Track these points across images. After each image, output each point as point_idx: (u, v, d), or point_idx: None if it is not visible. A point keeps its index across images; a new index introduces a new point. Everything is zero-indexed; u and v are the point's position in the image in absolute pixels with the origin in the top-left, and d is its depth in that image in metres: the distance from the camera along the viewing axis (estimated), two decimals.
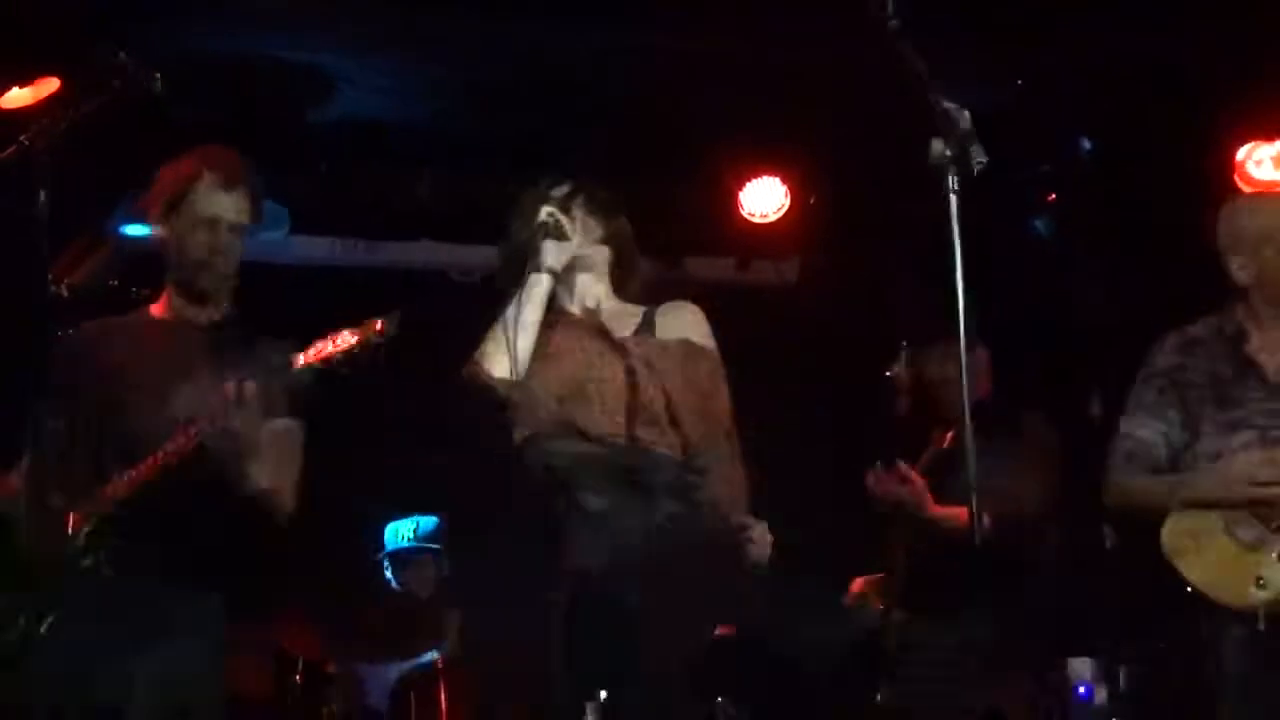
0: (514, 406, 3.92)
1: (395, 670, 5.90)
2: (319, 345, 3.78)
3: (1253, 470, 4.19)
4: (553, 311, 4.03)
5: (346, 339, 3.80)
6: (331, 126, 6.56)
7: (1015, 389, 5.23)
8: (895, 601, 4.76)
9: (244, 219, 4.08)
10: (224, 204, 4.00)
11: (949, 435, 5.09)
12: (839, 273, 7.24)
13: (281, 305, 6.94)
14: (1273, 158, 6.27)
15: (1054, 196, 6.78)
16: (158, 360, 3.91)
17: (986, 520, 4.60)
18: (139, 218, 6.51)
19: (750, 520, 3.82)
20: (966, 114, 3.09)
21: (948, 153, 3.06)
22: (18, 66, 5.63)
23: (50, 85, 5.55)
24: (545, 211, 3.99)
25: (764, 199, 6.96)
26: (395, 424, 7.10)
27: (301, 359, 3.74)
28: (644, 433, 3.83)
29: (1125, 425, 4.51)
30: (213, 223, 3.98)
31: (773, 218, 6.96)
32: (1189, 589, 4.28)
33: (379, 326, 3.85)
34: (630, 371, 3.87)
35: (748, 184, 6.96)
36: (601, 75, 6.07)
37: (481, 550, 5.70)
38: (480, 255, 7.31)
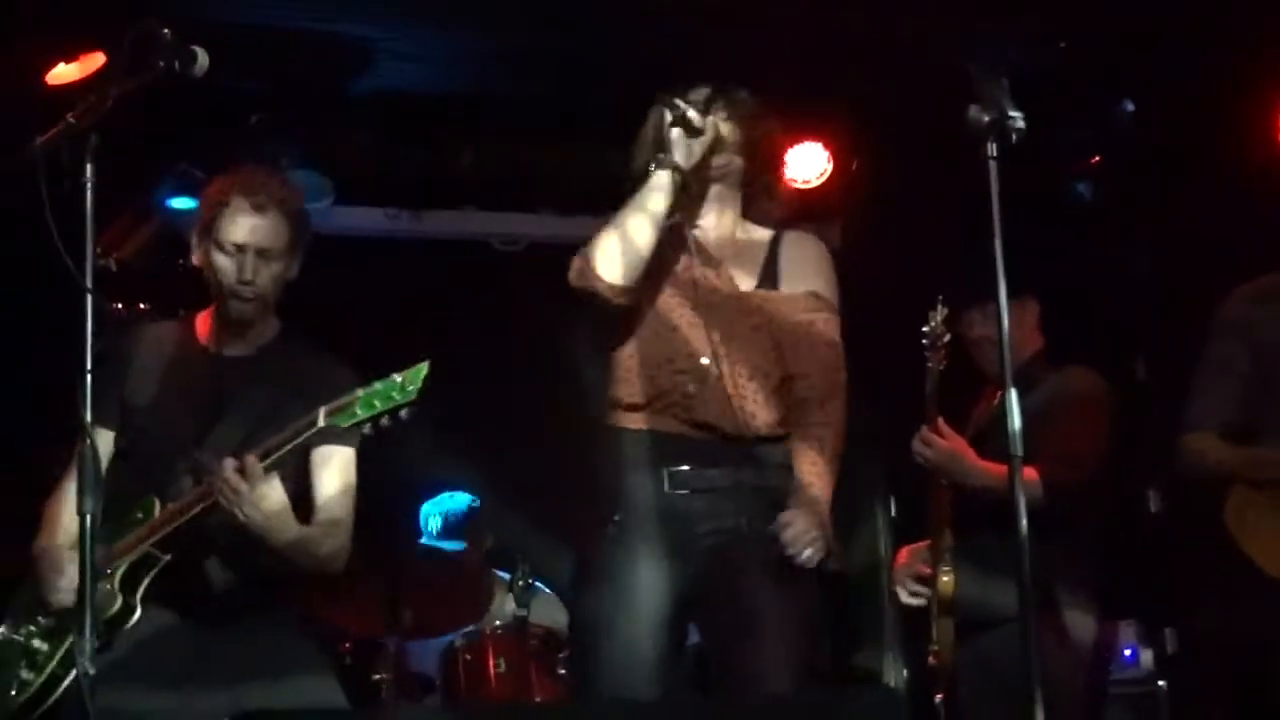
0: (620, 330, 3.74)
1: (445, 638, 5.94)
2: (344, 409, 3.52)
3: None
4: (673, 230, 3.79)
5: (376, 409, 3.50)
6: (373, 96, 6.58)
7: (1060, 353, 5.21)
8: (940, 566, 4.73)
9: (278, 243, 3.88)
10: (252, 229, 3.83)
11: (998, 393, 5.07)
12: (882, 238, 7.22)
13: (325, 276, 7.05)
14: None
15: (1097, 159, 6.74)
16: (190, 394, 3.86)
17: (1037, 479, 4.61)
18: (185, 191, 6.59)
19: (785, 518, 3.66)
20: (1005, 80, 3.08)
21: (985, 119, 3.06)
22: (63, 42, 5.68)
23: (95, 61, 5.59)
24: (680, 104, 3.69)
25: (807, 164, 6.95)
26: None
27: (321, 418, 3.54)
28: (763, 416, 3.71)
29: (1196, 386, 4.47)
30: (240, 249, 3.82)
31: (815, 183, 6.95)
32: (1246, 561, 4.27)
33: (409, 390, 3.53)
34: (755, 339, 3.72)
35: (790, 149, 6.95)
36: (641, 39, 6.07)
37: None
38: (524, 224, 7.35)
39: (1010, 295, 3.13)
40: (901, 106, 6.38)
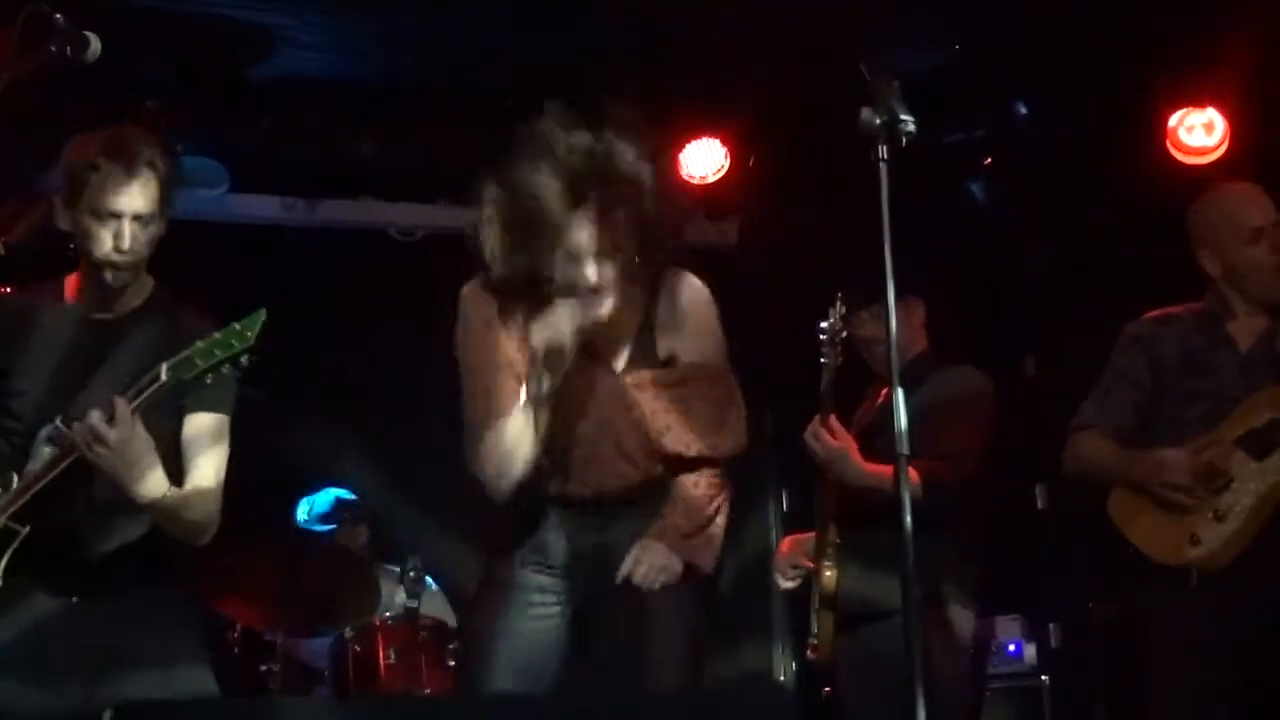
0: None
1: (334, 633, 5.92)
2: (183, 356, 3.47)
3: (1173, 471, 4.35)
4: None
5: (215, 357, 3.46)
6: (272, 83, 6.52)
7: (950, 350, 5.28)
8: (823, 560, 4.78)
9: (152, 206, 3.71)
10: (128, 196, 3.66)
11: (883, 391, 5.12)
12: (778, 234, 7.27)
13: (220, 264, 6.99)
14: (1204, 124, 6.34)
15: (989, 161, 6.82)
16: (60, 361, 3.75)
17: (917, 479, 4.68)
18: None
19: (637, 553, 3.72)
20: (896, 83, 3.12)
21: (876, 121, 3.10)
22: None
23: None
24: (546, 364, 3.62)
25: (704, 160, 6.98)
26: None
27: (164, 373, 3.47)
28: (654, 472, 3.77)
29: (1097, 389, 4.63)
30: (116, 216, 3.66)
31: (712, 179, 6.98)
32: (1128, 550, 4.42)
33: (247, 336, 3.47)
34: (635, 417, 3.73)
35: (687, 145, 6.98)
36: (541, 34, 6.08)
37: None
38: (421, 213, 7.32)
39: (896, 296, 3.17)
40: (799, 105, 6.42)
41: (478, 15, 6.03)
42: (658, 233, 3.75)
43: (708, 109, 6.83)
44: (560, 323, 3.63)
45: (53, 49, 3.08)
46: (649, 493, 3.80)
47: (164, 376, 3.46)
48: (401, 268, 7.29)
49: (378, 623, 5.74)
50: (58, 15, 3.09)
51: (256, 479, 6.78)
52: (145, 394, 3.48)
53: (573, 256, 3.63)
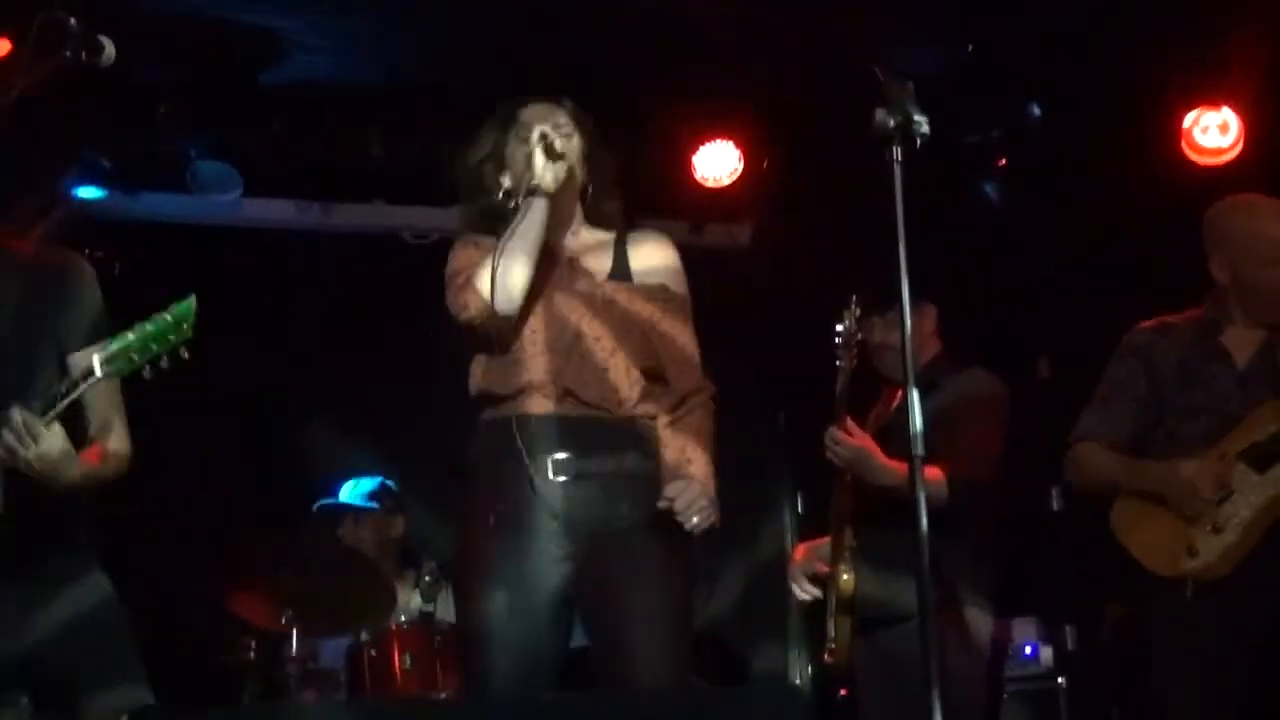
0: (500, 345, 3.79)
1: (351, 635, 5.92)
2: (117, 349, 3.38)
3: (1195, 484, 4.33)
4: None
5: (170, 339, 3.39)
6: (284, 88, 6.54)
7: (965, 351, 5.28)
8: (840, 564, 4.78)
9: None
10: None
11: (897, 394, 5.12)
12: (792, 237, 7.27)
13: (235, 268, 7.01)
14: (1218, 124, 6.33)
15: (1004, 162, 6.82)
16: None
17: (942, 478, 4.68)
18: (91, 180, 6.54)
19: (673, 489, 3.69)
20: (910, 84, 3.12)
21: (891, 123, 3.09)
22: None
23: (1, 48, 5.52)
24: (540, 130, 3.82)
25: (718, 163, 6.98)
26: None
27: (98, 368, 3.38)
28: (635, 395, 3.77)
29: (1095, 400, 4.62)
30: None
31: (726, 182, 6.98)
32: (1130, 559, 4.42)
33: (184, 330, 3.40)
34: (618, 327, 3.79)
35: (701, 148, 6.98)
36: (554, 37, 6.08)
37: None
38: (435, 217, 7.32)
39: (910, 301, 3.17)
40: (812, 107, 6.42)
41: (489, 18, 6.04)
42: (607, 173, 4.02)
43: (721, 111, 6.84)
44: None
45: (67, 54, 3.09)
46: (632, 434, 3.77)
47: (99, 372, 3.39)
48: (415, 271, 7.29)
49: (393, 627, 5.73)
50: (72, 21, 3.09)
51: (270, 481, 6.82)
52: (79, 389, 3.44)
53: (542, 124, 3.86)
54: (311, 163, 6.91)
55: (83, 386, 3.43)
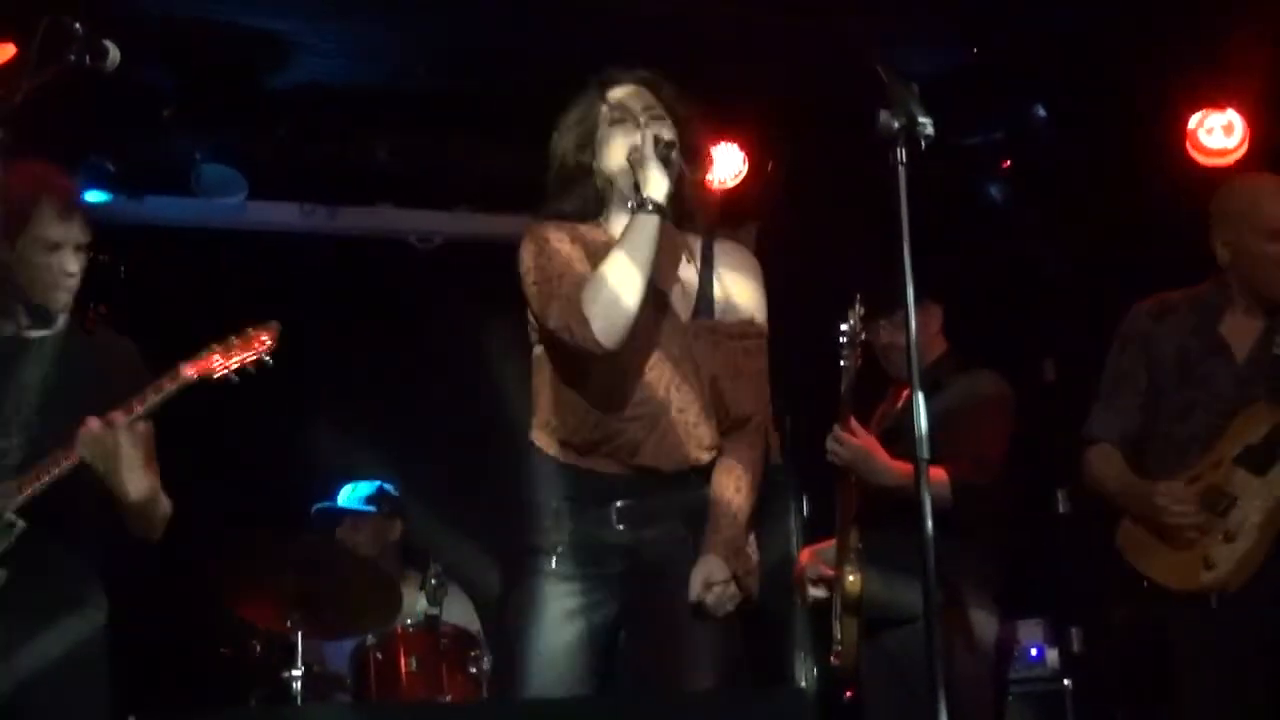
0: (579, 379, 3.59)
1: (356, 637, 5.92)
2: (205, 361, 3.75)
3: (1169, 506, 4.32)
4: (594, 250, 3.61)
5: (234, 358, 3.77)
6: (289, 91, 6.54)
7: (970, 353, 5.28)
8: (845, 565, 4.77)
9: (86, 237, 3.98)
10: (67, 228, 3.93)
11: (903, 394, 5.12)
12: (797, 239, 7.26)
13: (239, 271, 7.01)
14: (1223, 126, 6.32)
15: (1009, 163, 6.81)
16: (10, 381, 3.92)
17: (946, 480, 4.68)
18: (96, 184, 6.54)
19: (703, 576, 3.58)
20: (914, 86, 3.11)
21: (895, 124, 3.09)
22: None
23: (5, 53, 5.52)
24: (654, 134, 3.53)
25: (723, 165, 6.97)
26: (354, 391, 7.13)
27: (191, 371, 3.73)
28: (706, 456, 3.64)
29: (1101, 395, 4.60)
30: (58, 246, 3.90)
31: (731, 184, 6.98)
32: (1143, 585, 4.40)
33: (264, 342, 3.78)
34: (700, 381, 3.60)
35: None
36: (559, 39, 6.08)
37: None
38: (440, 220, 7.33)
39: (915, 301, 3.16)
40: (817, 109, 6.42)
41: (494, 21, 6.03)
42: (700, 184, 3.79)
43: (725, 114, 6.82)
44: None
45: (72, 58, 3.09)
46: (693, 487, 3.66)
47: (188, 373, 3.71)
48: (420, 274, 7.30)
49: (399, 630, 5.73)
50: (77, 25, 3.09)
51: (277, 483, 6.81)
52: (165, 392, 3.71)
53: (634, 117, 3.67)
54: (316, 166, 6.90)
55: (170, 389, 3.73)
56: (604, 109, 3.70)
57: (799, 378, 5.60)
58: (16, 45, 5.42)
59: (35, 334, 3.96)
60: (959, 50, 6.28)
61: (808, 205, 7.02)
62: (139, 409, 3.70)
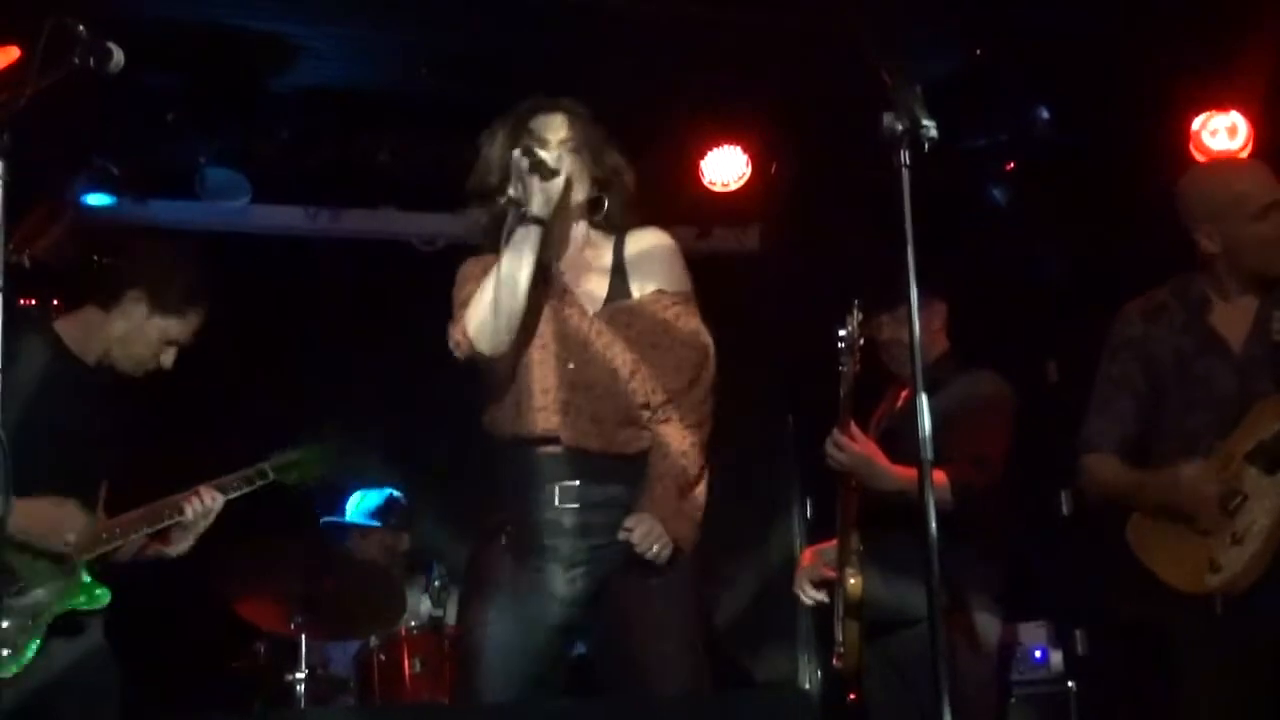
0: (497, 387, 3.79)
1: (360, 639, 5.92)
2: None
3: (1199, 485, 4.24)
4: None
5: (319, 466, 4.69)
6: (293, 94, 6.55)
7: (974, 353, 5.27)
8: (847, 567, 4.77)
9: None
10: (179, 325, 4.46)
11: (903, 394, 5.12)
12: (800, 240, 7.27)
13: (244, 274, 7.02)
14: (1227, 127, 6.32)
15: (1012, 165, 6.81)
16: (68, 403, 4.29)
17: (945, 482, 4.68)
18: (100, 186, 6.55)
19: (631, 522, 3.67)
20: (917, 88, 3.11)
21: (899, 127, 3.09)
22: None
23: (9, 55, 5.53)
24: (534, 150, 3.70)
25: (726, 168, 6.98)
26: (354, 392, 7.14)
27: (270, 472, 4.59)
28: (641, 435, 3.74)
29: (1095, 402, 4.55)
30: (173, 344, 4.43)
31: (734, 186, 6.99)
32: (1152, 579, 4.35)
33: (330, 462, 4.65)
34: (619, 359, 3.72)
35: (709, 153, 6.98)
36: (562, 42, 6.08)
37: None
38: (443, 223, 7.33)
39: (918, 296, 3.15)
40: (820, 111, 6.42)
41: (496, 24, 6.04)
42: (618, 184, 3.92)
43: (728, 116, 6.84)
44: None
45: (76, 61, 3.09)
46: (631, 473, 3.74)
47: (270, 475, 4.62)
48: (423, 277, 7.30)
49: (403, 632, 5.73)
50: (81, 28, 3.10)
51: (280, 485, 6.81)
52: (252, 486, 4.55)
53: (539, 140, 3.82)
54: (320, 169, 6.91)
55: (255, 485, 4.57)
56: (524, 139, 3.83)
57: (802, 378, 5.62)
58: (20, 48, 5.43)
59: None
60: (962, 52, 6.28)
61: (811, 207, 7.03)
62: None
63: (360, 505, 6.55)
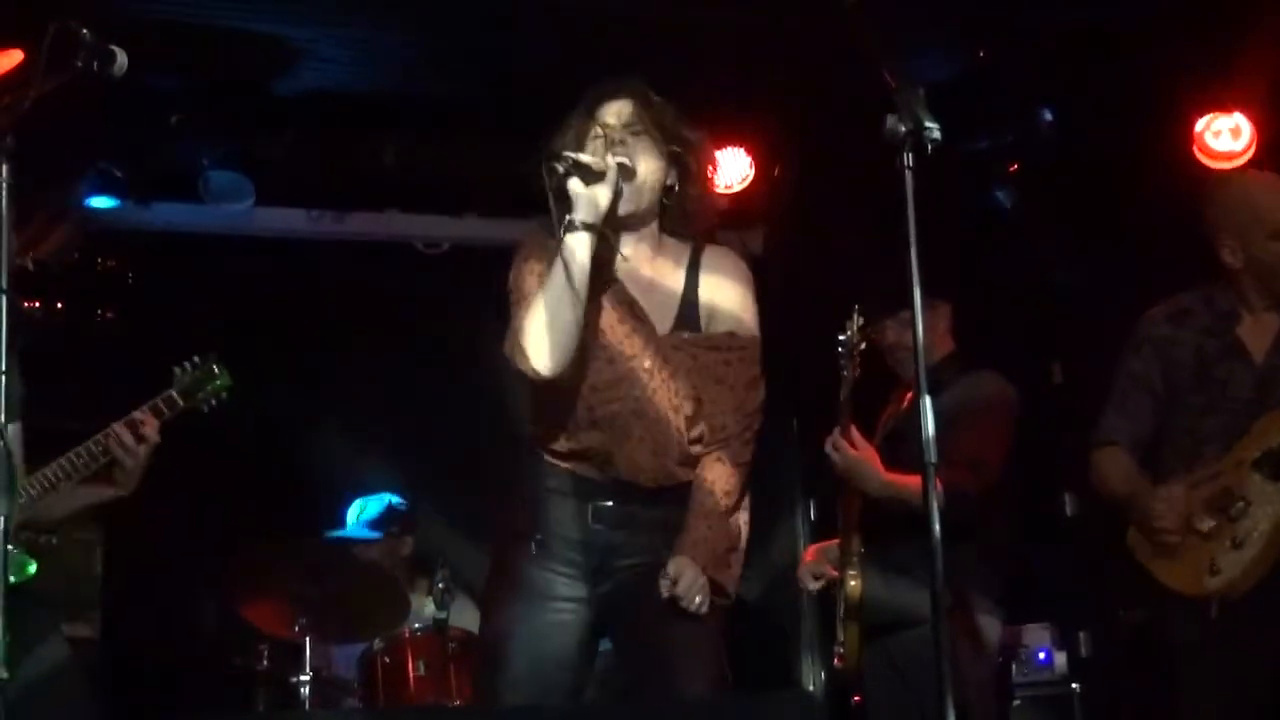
0: (546, 404, 3.65)
1: (363, 642, 5.92)
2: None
3: (1156, 507, 4.29)
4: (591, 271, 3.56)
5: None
6: (296, 97, 6.55)
7: (978, 355, 5.27)
8: (847, 569, 4.78)
9: None
10: None
11: (908, 396, 5.12)
12: (804, 243, 7.27)
13: (247, 277, 7.03)
14: (1230, 129, 6.31)
15: (1016, 166, 6.81)
16: None
17: (939, 487, 4.67)
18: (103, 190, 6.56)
19: (673, 571, 3.55)
20: (921, 90, 3.11)
21: (902, 129, 3.08)
22: None
23: (13, 58, 5.53)
24: (569, 157, 3.49)
25: (729, 169, 6.98)
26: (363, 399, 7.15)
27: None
28: (675, 465, 3.63)
29: (1114, 397, 4.56)
30: None
31: (737, 188, 6.99)
32: (1152, 581, 4.37)
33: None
34: (676, 392, 3.60)
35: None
36: (564, 43, 6.08)
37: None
38: (447, 226, 7.34)
39: (922, 300, 3.15)
40: (823, 113, 6.42)
41: (499, 28, 6.04)
42: (697, 199, 3.74)
43: (732, 118, 6.83)
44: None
45: (79, 64, 3.09)
46: (672, 503, 3.66)
47: (180, 401, 4.56)
48: (427, 280, 7.31)
49: (407, 634, 5.73)
50: (84, 31, 3.10)
51: (283, 487, 6.83)
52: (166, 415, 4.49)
53: (608, 131, 3.65)
54: (324, 171, 6.92)
55: (168, 412, 4.55)
56: (593, 128, 3.69)
57: (805, 380, 5.61)
58: (25, 51, 5.43)
59: None
60: (966, 55, 6.28)
61: (814, 210, 7.03)
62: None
63: (360, 515, 6.55)
